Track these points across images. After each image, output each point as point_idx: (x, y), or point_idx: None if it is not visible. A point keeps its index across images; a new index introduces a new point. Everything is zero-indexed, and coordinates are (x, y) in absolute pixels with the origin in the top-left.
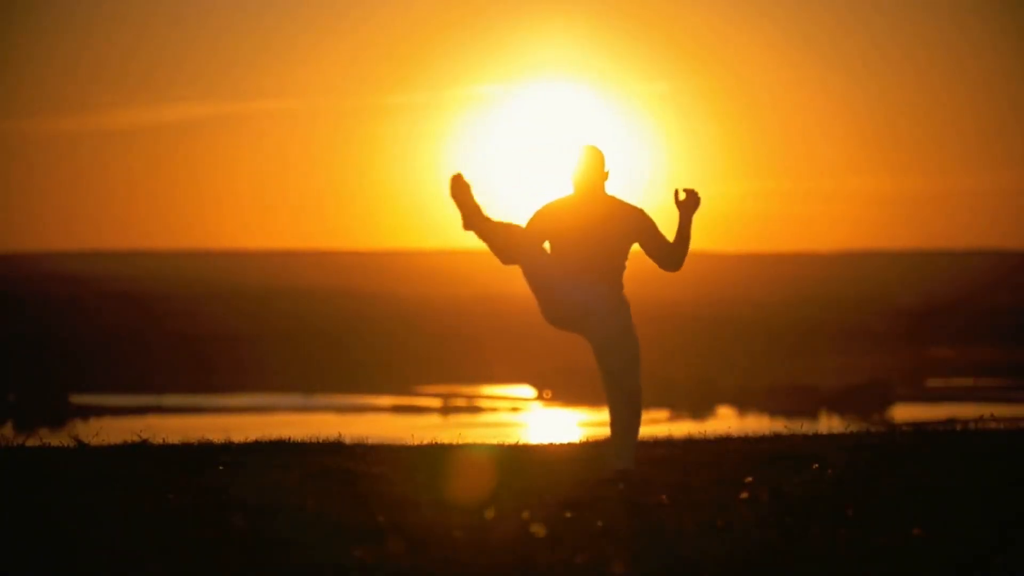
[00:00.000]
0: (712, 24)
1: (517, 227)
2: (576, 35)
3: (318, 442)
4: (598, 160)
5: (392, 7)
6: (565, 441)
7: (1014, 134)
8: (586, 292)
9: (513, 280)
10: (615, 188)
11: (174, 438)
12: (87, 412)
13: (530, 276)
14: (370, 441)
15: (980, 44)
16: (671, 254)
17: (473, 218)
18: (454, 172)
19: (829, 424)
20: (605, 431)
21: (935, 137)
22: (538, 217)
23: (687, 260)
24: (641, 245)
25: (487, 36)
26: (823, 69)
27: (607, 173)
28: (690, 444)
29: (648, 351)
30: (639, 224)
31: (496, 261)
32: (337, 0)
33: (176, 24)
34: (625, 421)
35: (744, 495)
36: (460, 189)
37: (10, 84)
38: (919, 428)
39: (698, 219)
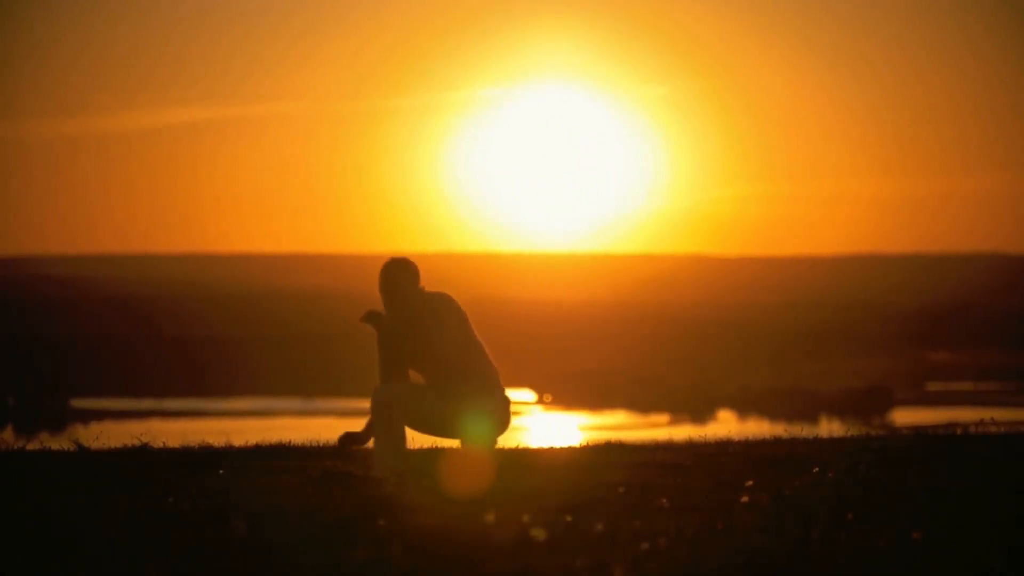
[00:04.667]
0: (712, 27)
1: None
2: (576, 39)
3: (318, 446)
4: (414, 275)
5: (392, 10)
6: (565, 445)
7: (1015, 137)
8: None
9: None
10: (615, 191)
11: (174, 442)
12: (87, 416)
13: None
14: (370, 445)
15: (980, 46)
16: (453, 359)
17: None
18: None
19: (829, 428)
20: (606, 435)
21: (935, 140)
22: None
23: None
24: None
25: (487, 40)
26: (823, 72)
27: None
28: (690, 448)
29: (648, 355)
30: (454, 308)
31: (497, 264)
32: (337, 3)
33: (175, 27)
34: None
35: (744, 498)
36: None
37: (9, 86)
38: (919, 432)
39: (698, 222)
